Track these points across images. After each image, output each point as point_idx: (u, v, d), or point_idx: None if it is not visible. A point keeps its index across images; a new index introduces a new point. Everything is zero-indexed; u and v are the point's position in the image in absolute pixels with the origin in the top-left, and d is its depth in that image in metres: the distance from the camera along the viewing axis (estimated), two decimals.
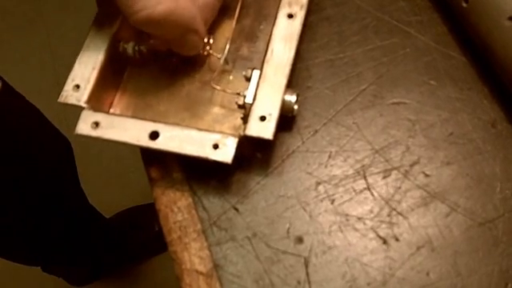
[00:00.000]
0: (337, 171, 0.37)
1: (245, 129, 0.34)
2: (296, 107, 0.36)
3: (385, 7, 0.42)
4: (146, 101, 0.39)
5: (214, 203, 0.37)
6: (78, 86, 0.36)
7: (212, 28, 0.40)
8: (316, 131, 0.38)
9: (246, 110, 0.36)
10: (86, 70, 0.36)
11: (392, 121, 0.38)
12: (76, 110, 0.36)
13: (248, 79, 0.36)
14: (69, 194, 0.98)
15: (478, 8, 0.37)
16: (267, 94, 0.35)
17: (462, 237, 0.35)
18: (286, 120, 0.38)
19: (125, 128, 0.35)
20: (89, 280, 1.27)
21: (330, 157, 0.37)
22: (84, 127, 0.35)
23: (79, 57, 0.37)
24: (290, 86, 0.36)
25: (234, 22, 0.39)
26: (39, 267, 1.12)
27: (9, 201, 0.79)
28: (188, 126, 0.35)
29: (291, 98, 0.36)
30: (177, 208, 0.37)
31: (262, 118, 0.34)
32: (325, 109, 0.39)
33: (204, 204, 0.37)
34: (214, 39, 0.39)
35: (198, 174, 0.38)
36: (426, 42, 0.40)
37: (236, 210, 0.37)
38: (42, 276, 1.16)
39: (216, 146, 0.34)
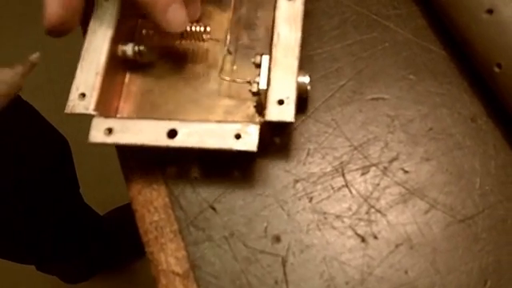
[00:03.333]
0: (315, 169, 0.37)
1: (264, 115, 0.34)
2: (309, 88, 0.36)
3: (364, 1, 0.41)
4: (152, 101, 0.38)
5: (191, 202, 0.36)
6: (83, 95, 0.35)
7: (208, 20, 0.40)
8: (294, 128, 0.38)
9: (260, 96, 0.35)
10: (89, 76, 0.36)
11: (371, 117, 0.38)
12: None
13: (258, 65, 0.36)
14: (66, 193, 0.98)
15: (457, 1, 0.36)
16: (281, 77, 0.35)
17: (441, 234, 0.34)
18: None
19: (140, 130, 0.34)
20: (84, 277, 1.27)
21: (308, 154, 0.37)
22: (97, 135, 0.34)
23: (80, 64, 0.36)
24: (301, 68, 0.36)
25: (231, 12, 0.40)
26: (34, 266, 1.12)
27: (5, 199, 0.78)
28: (204, 120, 0.34)
29: (304, 79, 0.36)
30: (153, 208, 0.37)
31: (280, 102, 0.34)
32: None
33: (181, 203, 0.36)
34: (212, 31, 0.39)
35: (176, 173, 0.37)
36: (406, 36, 0.40)
37: (213, 209, 0.36)
38: (37, 275, 1.16)
39: (238, 136, 0.33)
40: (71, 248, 1.10)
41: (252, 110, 0.37)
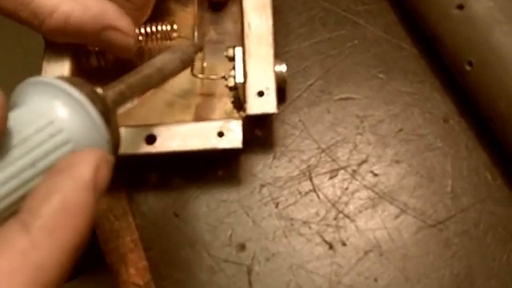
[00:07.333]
0: (281, 172, 0.35)
1: (245, 109, 0.32)
2: (287, 76, 0.35)
3: None
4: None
5: (153, 210, 0.35)
6: None
7: (173, 17, 0.38)
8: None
9: (237, 91, 0.34)
10: None
11: (339, 118, 0.36)
12: None
13: (231, 59, 0.34)
14: None
15: None
16: (257, 68, 0.33)
17: (411, 239, 0.33)
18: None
19: None
20: (70, 277, 1.26)
21: (274, 157, 0.36)
22: None
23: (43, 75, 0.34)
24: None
25: (195, 8, 0.38)
26: None
27: None
28: (182, 121, 0.33)
29: (281, 67, 0.34)
30: (113, 216, 0.35)
31: (260, 94, 0.32)
32: None
33: (143, 211, 0.35)
34: (178, 29, 0.37)
35: (137, 178, 0.36)
36: (376, 33, 0.38)
37: (176, 216, 0.35)
38: None
39: (221, 134, 0.32)
40: None
41: (229, 105, 0.36)
